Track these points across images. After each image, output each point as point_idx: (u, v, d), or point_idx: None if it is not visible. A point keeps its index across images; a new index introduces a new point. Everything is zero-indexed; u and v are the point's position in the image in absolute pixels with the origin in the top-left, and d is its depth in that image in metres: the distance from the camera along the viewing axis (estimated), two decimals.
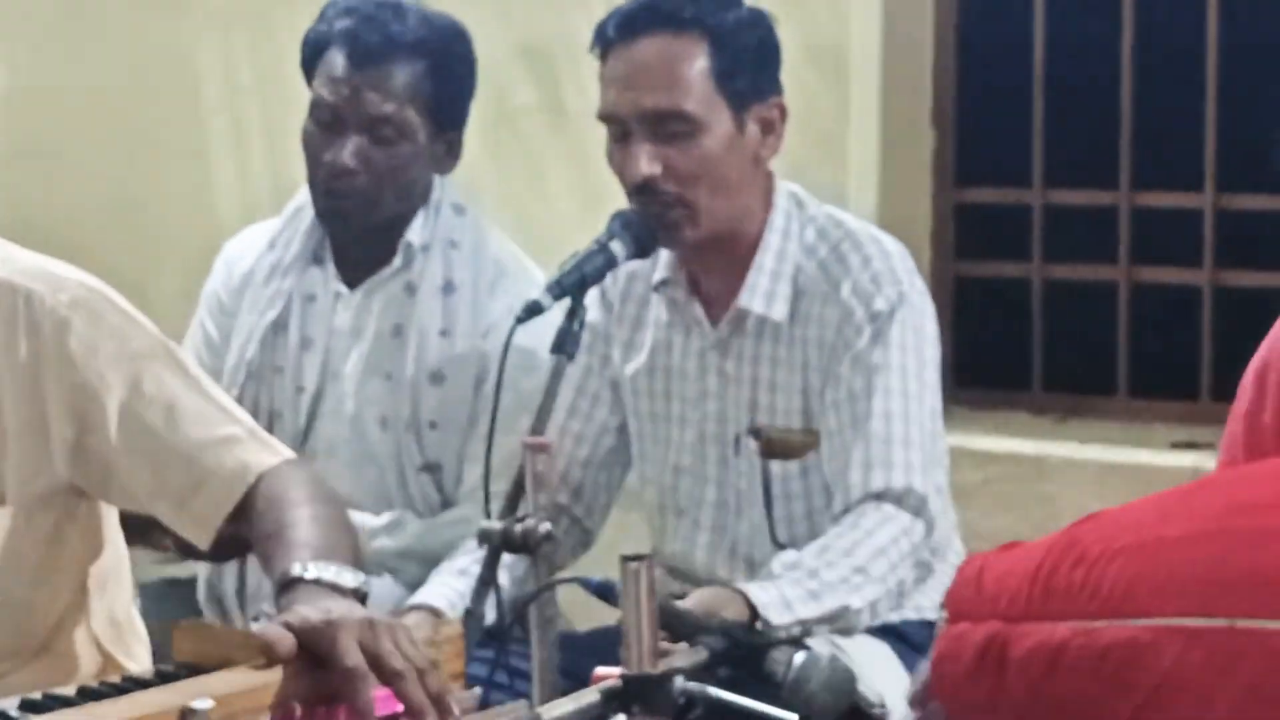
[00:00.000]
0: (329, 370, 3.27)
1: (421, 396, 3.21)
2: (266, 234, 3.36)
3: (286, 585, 2.10)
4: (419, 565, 3.16)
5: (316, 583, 2.09)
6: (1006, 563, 2.01)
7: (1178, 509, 1.98)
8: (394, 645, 1.94)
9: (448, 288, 3.23)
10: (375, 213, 3.20)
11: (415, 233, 3.23)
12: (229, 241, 3.45)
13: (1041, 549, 1.99)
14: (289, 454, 2.40)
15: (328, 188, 3.19)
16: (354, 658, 1.92)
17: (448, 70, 3.22)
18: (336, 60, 3.19)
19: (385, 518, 3.20)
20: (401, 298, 3.24)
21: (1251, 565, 1.85)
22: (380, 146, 3.17)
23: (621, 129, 2.94)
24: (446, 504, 3.24)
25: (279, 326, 3.29)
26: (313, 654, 1.92)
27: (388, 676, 1.92)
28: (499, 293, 3.22)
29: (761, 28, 2.99)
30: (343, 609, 1.98)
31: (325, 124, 3.19)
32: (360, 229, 3.23)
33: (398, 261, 3.23)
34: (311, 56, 3.25)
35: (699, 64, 2.92)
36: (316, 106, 3.21)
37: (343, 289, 3.28)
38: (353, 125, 3.17)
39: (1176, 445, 4.29)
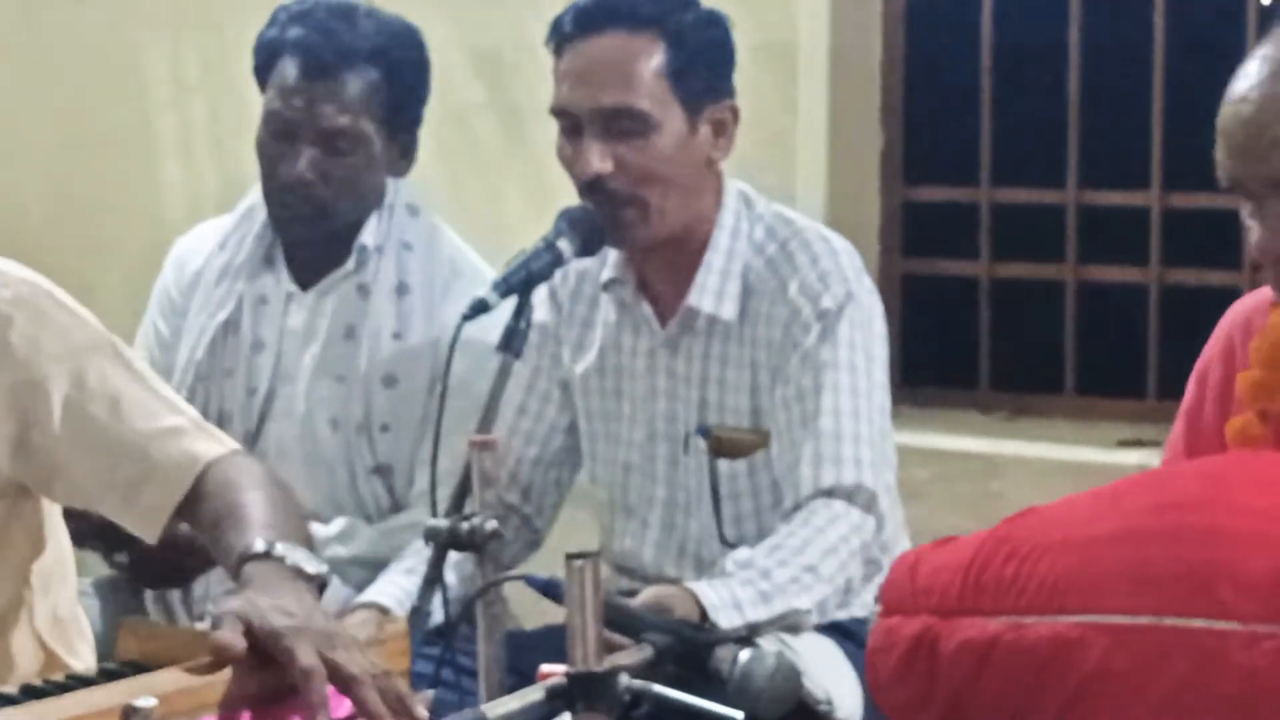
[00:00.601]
0: (280, 372, 3.26)
1: (374, 398, 3.20)
2: (217, 232, 3.34)
3: (248, 559, 2.09)
4: (371, 571, 3.15)
5: (280, 561, 2.09)
6: (940, 558, 2.02)
7: (1107, 507, 1.99)
8: (351, 656, 1.94)
9: (401, 289, 3.22)
10: (331, 221, 3.19)
11: (370, 235, 3.22)
12: (180, 239, 3.43)
13: (974, 545, 2.00)
14: (235, 445, 2.40)
15: (283, 200, 3.18)
16: (310, 659, 1.92)
17: (402, 77, 3.20)
18: (289, 71, 3.16)
19: (336, 526, 3.19)
20: (354, 299, 3.23)
21: (1178, 564, 1.86)
22: (335, 157, 3.15)
23: (573, 124, 2.94)
24: (396, 507, 3.23)
25: (230, 328, 3.27)
26: (266, 653, 1.92)
27: (345, 682, 1.92)
28: (452, 295, 3.20)
29: (718, 29, 3.00)
30: (303, 613, 1.98)
31: (279, 135, 3.16)
32: (314, 234, 3.22)
33: (351, 263, 3.22)
34: (264, 64, 3.22)
35: (655, 62, 2.92)
36: (271, 117, 3.18)
37: (295, 290, 3.26)
38: (307, 137, 3.15)
39: (1124, 443, 4.31)
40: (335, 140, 3.15)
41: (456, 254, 3.28)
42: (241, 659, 1.91)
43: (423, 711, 1.95)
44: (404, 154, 3.24)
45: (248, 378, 3.26)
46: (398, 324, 3.20)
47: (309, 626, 1.95)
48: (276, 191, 3.18)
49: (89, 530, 2.79)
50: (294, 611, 1.97)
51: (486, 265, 3.28)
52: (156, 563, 3.06)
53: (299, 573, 2.09)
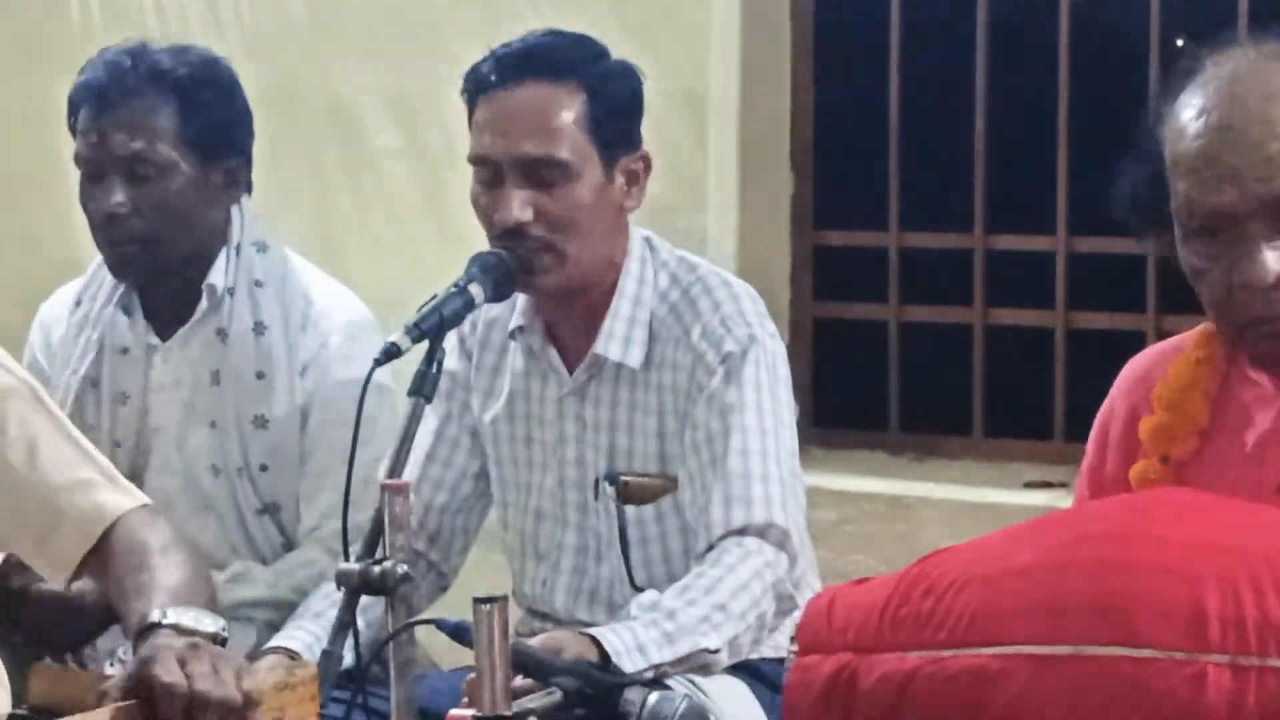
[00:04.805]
0: (150, 424, 3.26)
1: (249, 441, 3.20)
2: (74, 292, 3.36)
3: (145, 631, 2.11)
4: (271, 612, 3.14)
5: (175, 628, 2.11)
6: (856, 596, 2.05)
7: (1024, 542, 2.02)
8: (210, 670, 1.97)
9: (258, 329, 3.21)
10: (162, 253, 3.18)
11: (218, 275, 3.21)
12: (44, 304, 3.43)
13: (891, 582, 2.02)
14: (145, 500, 2.41)
15: (106, 238, 3.19)
16: (171, 675, 1.94)
17: (198, 99, 3.20)
18: (84, 113, 3.21)
19: (229, 571, 3.19)
20: (215, 344, 3.22)
21: (1095, 594, 1.89)
22: (142, 186, 3.16)
23: (493, 173, 2.95)
24: (289, 545, 3.24)
25: (91, 381, 3.28)
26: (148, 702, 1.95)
27: (192, 700, 1.95)
28: (310, 328, 3.22)
29: (632, 81, 3.02)
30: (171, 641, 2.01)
31: (90, 176, 3.20)
32: (154, 273, 3.22)
33: (204, 304, 3.22)
34: (71, 118, 3.25)
35: (575, 113, 2.94)
36: (77, 162, 3.22)
37: (156, 341, 3.27)
38: (110, 171, 3.17)
39: (1030, 485, 4.35)
40: (137, 167, 3.16)
41: (311, 283, 3.28)
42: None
43: None
44: (230, 181, 3.23)
45: (111, 431, 3.26)
46: (259, 364, 3.21)
47: (174, 642, 1.98)
48: (102, 235, 3.19)
49: None
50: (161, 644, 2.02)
51: (347, 290, 3.29)
52: (48, 627, 3.06)
53: (194, 633, 2.11)
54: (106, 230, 3.17)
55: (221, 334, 3.22)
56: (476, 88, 2.98)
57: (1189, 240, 2.21)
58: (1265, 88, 2.18)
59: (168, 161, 3.16)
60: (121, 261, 3.20)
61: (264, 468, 3.20)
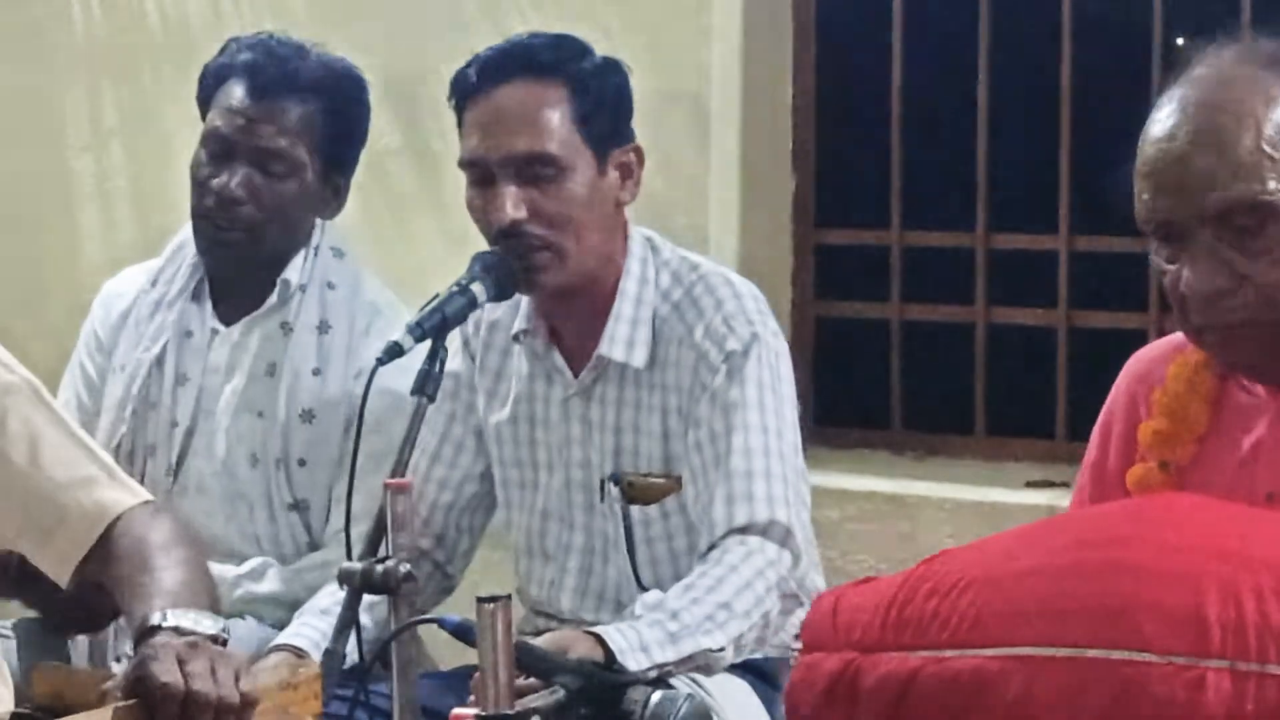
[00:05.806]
0: (202, 407, 3.29)
1: (293, 434, 3.24)
2: (147, 272, 3.39)
3: (145, 633, 2.12)
4: (285, 611, 3.17)
5: (175, 630, 2.11)
6: (861, 596, 2.06)
7: (1027, 544, 2.03)
8: (208, 669, 1.97)
9: (322, 327, 3.26)
10: (258, 247, 3.24)
11: (294, 271, 3.26)
12: (108, 281, 3.47)
13: (895, 583, 2.03)
14: (147, 496, 2.42)
15: (214, 217, 3.22)
16: (169, 675, 1.95)
17: (342, 114, 3.27)
18: (236, 91, 3.24)
19: (247, 566, 3.21)
20: (277, 336, 3.27)
21: (1099, 597, 1.89)
22: (269, 180, 3.21)
23: (485, 174, 2.96)
24: (314, 544, 3.26)
25: (158, 361, 3.30)
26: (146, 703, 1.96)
27: (188, 699, 1.96)
28: (373, 335, 3.25)
29: (618, 75, 3.04)
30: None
31: (216, 154, 3.24)
32: (242, 263, 3.25)
33: (274, 299, 3.26)
34: (210, 88, 3.29)
35: (562, 109, 2.95)
36: (210, 137, 3.25)
37: (219, 326, 3.30)
38: (243, 156, 3.21)
39: (1032, 484, 4.34)
40: (270, 162, 3.21)
41: (379, 296, 3.33)
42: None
43: None
44: (335, 195, 3.30)
45: (171, 411, 3.30)
46: (318, 361, 3.25)
47: (172, 641, 1.98)
48: (206, 211, 3.23)
49: (4, 583, 2.80)
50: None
51: (408, 310, 3.31)
52: (71, 607, 3.06)
53: (193, 635, 2.12)
54: (216, 211, 3.22)
55: (285, 327, 3.26)
56: (462, 93, 3.00)
57: (1152, 243, 2.24)
58: (1220, 97, 2.20)
59: (300, 165, 3.23)
60: (219, 245, 3.24)
61: (302, 462, 3.24)
